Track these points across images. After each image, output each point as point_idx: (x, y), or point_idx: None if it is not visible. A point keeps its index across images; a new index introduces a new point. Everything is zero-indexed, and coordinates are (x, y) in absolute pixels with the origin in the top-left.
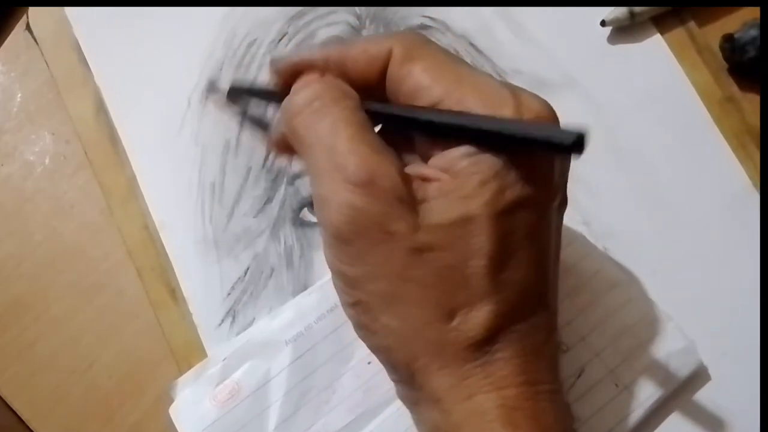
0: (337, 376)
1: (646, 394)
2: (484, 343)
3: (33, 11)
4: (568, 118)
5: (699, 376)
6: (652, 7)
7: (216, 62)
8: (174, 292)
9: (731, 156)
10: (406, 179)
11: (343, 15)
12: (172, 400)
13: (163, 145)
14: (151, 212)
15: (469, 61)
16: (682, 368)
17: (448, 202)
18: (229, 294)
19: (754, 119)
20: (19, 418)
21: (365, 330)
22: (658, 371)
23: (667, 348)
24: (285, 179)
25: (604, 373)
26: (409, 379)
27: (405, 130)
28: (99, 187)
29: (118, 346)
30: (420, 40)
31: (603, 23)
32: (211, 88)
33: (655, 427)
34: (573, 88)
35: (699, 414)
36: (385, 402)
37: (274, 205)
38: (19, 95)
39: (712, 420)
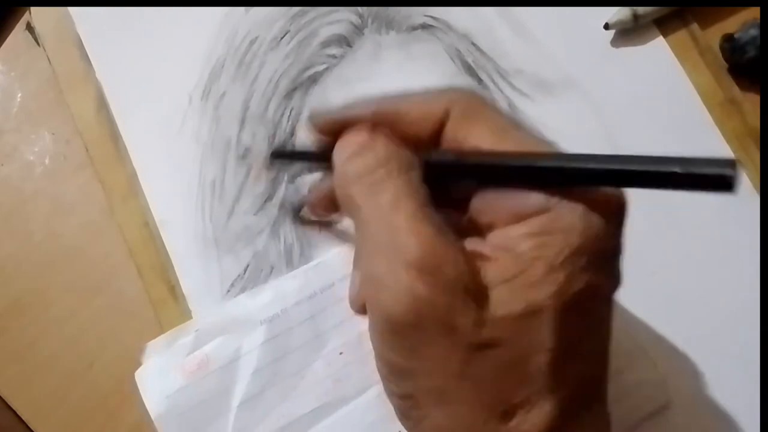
0: (308, 363)
1: (614, 421)
2: None
3: (35, 7)
4: (570, 118)
5: (667, 410)
6: (655, 9)
7: (217, 60)
8: (174, 289)
9: (732, 157)
10: (472, 264)
11: (346, 14)
12: (140, 364)
13: (164, 142)
14: (151, 210)
15: (470, 61)
16: (649, 401)
17: (512, 291)
18: (228, 291)
19: (755, 121)
20: (19, 418)
21: (410, 422)
22: (626, 400)
23: (637, 379)
24: (285, 177)
25: None
26: None
27: (467, 184)
28: (99, 188)
29: (118, 346)
30: (479, 100)
31: (606, 26)
32: (247, 153)
33: None
34: (574, 89)
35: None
36: (354, 393)
37: (275, 204)
38: (19, 95)
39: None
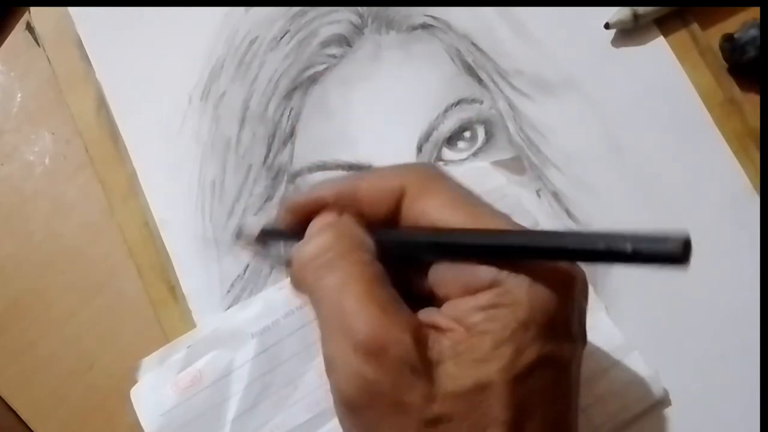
0: (300, 373)
1: (602, 419)
2: None
3: (35, 7)
4: (570, 118)
5: (659, 407)
6: (655, 9)
7: (217, 60)
8: (174, 289)
9: (732, 158)
10: (421, 340)
11: (346, 13)
12: (135, 381)
13: (164, 142)
14: (151, 210)
15: (470, 61)
16: (642, 398)
17: (462, 366)
18: (228, 292)
19: (755, 121)
20: (19, 418)
21: None
22: (617, 398)
23: (629, 376)
24: (285, 177)
25: None
26: None
27: (421, 258)
28: (99, 188)
29: (118, 346)
30: (433, 175)
31: (607, 26)
32: (240, 233)
33: None
34: (575, 89)
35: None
36: None
37: (275, 203)
38: (19, 95)
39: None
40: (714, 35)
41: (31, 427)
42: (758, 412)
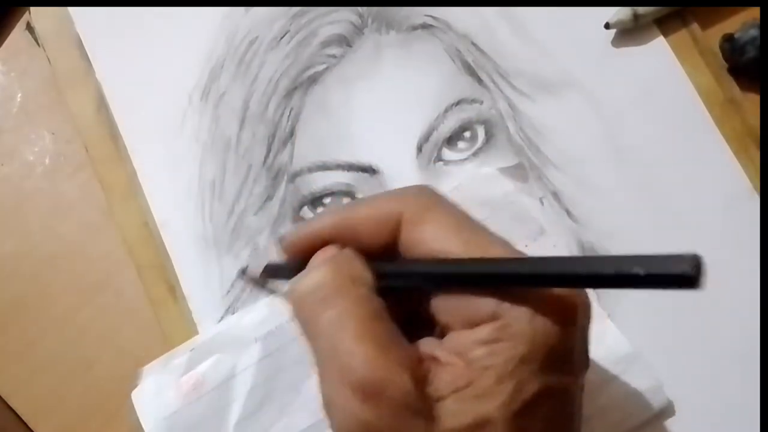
0: (303, 379)
1: (604, 429)
2: None
3: (35, 7)
4: (570, 118)
5: (663, 416)
6: (655, 9)
7: (217, 60)
8: (173, 289)
9: (732, 158)
10: (420, 378)
11: (346, 13)
12: (136, 386)
13: (164, 142)
14: (151, 209)
15: (470, 61)
16: (645, 409)
17: (461, 403)
18: (228, 292)
19: (755, 121)
20: (19, 418)
21: None
22: (619, 409)
23: (633, 387)
24: (285, 177)
25: None
26: None
27: (423, 289)
28: (99, 187)
29: (118, 346)
30: (429, 200)
31: (607, 26)
32: (244, 272)
33: None
34: (575, 88)
35: None
36: None
37: (275, 203)
38: (19, 95)
39: None
40: (714, 35)
41: (31, 427)
42: (758, 416)
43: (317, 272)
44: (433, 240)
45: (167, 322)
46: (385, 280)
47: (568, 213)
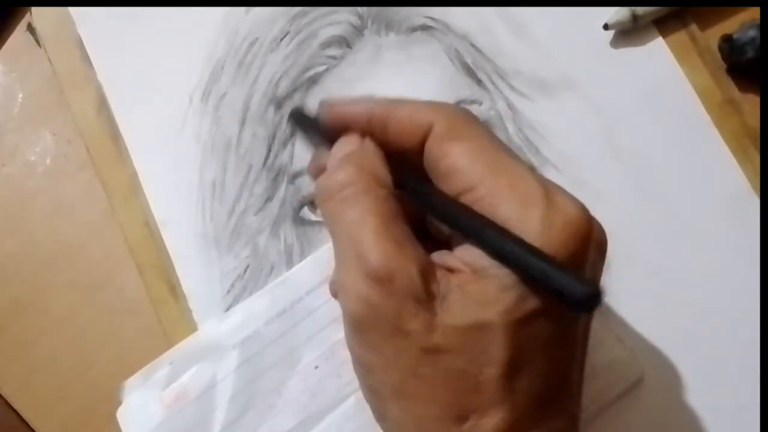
0: (283, 380)
1: (585, 402)
2: None
3: (36, 8)
4: (569, 119)
5: (640, 386)
6: (654, 10)
7: (218, 61)
8: (174, 289)
9: (731, 158)
10: (427, 274)
11: (345, 15)
12: (120, 402)
13: (165, 142)
14: (152, 209)
15: (469, 62)
16: (622, 379)
17: (466, 304)
18: (229, 291)
19: (754, 121)
20: (20, 417)
21: (378, 415)
22: (598, 381)
23: (609, 358)
24: (286, 177)
25: None
26: None
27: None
28: (100, 188)
29: (118, 345)
30: (463, 118)
31: (606, 27)
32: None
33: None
34: (574, 89)
35: (639, 422)
36: (331, 406)
37: (275, 203)
38: (21, 95)
39: (651, 419)
40: (713, 36)
41: (32, 426)
42: (733, 382)
43: (343, 171)
44: (456, 158)
45: (168, 322)
46: (401, 187)
47: None
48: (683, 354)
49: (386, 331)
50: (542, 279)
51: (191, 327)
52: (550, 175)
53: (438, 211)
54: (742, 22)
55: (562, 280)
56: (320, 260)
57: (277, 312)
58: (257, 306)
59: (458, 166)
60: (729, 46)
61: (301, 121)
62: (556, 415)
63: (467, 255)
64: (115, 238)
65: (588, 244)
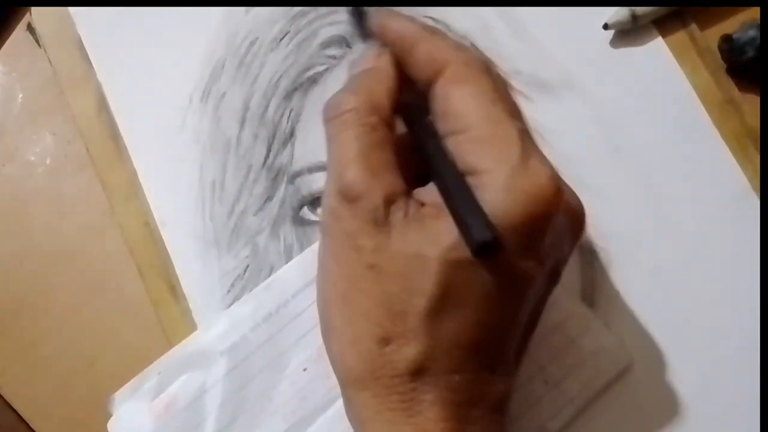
0: (273, 385)
1: (576, 389)
2: (410, 379)
3: (36, 8)
4: (569, 119)
5: (630, 371)
6: (654, 10)
7: (217, 61)
8: (174, 289)
9: (731, 158)
10: (393, 203)
11: (345, 15)
12: (109, 415)
13: (165, 143)
14: (152, 210)
15: None
16: (612, 364)
17: (417, 236)
18: (228, 291)
19: (754, 121)
20: (20, 418)
21: (326, 327)
22: (588, 367)
23: (596, 344)
24: (285, 178)
25: (534, 371)
26: (346, 395)
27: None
28: (100, 188)
29: (118, 345)
30: (477, 66)
31: (605, 26)
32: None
33: (588, 421)
34: (573, 89)
35: (631, 407)
36: (322, 408)
37: (275, 204)
38: (21, 96)
39: (646, 413)
40: (712, 36)
41: (32, 426)
42: (723, 369)
43: (346, 96)
44: (456, 99)
45: (168, 322)
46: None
47: None
48: (683, 352)
49: (344, 243)
50: (459, 220)
51: (191, 327)
52: None
53: (418, 142)
54: (742, 22)
55: (471, 223)
56: (304, 263)
57: (263, 316)
58: (243, 312)
59: (455, 109)
60: (729, 46)
61: (359, 16)
62: (480, 368)
63: (433, 190)
64: (115, 238)
65: (551, 211)
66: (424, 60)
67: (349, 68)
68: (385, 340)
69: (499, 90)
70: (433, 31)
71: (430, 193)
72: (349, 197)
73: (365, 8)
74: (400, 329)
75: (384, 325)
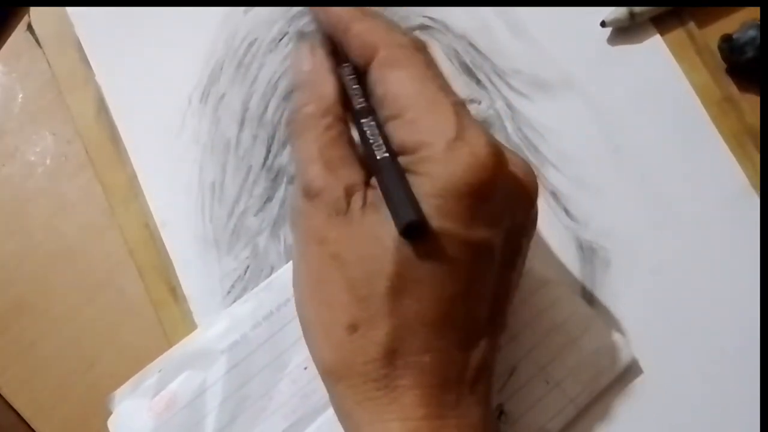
0: (273, 383)
1: (577, 390)
2: (382, 364)
3: (34, 10)
4: (568, 117)
5: (631, 371)
6: (651, 8)
7: (216, 62)
8: (174, 290)
9: (729, 156)
10: (354, 193)
11: None
12: (110, 413)
13: (164, 144)
14: (151, 211)
15: (468, 62)
16: (613, 364)
17: (370, 219)
18: (229, 292)
19: (753, 119)
20: (21, 417)
21: (302, 321)
22: (589, 367)
23: (597, 344)
24: (285, 178)
25: (535, 371)
26: (328, 389)
27: None
28: (100, 188)
29: (119, 345)
30: (409, 47)
31: (603, 24)
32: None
33: (588, 422)
34: (572, 88)
35: (632, 408)
36: (322, 407)
37: (275, 204)
38: (21, 95)
39: (647, 413)
40: (711, 33)
41: (33, 426)
42: (749, 409)
43: (302, 99)
44: (391, 83)
45: (168, 323)
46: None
47: (567, 212)
48: (683, 351)
49: (311, 237)
50: (390, 200)
51: (192, 328)
52: (550, 173)
53: (360, 132)
54: (742, 22)
55: (397, 205)
56: None
57: (263, 315)
58: (244, 310)
59: (391, 93)
60: (729, 46)
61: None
62: (449, 346)
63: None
64: (115, 238)
65: (493, 177)
66: (356, 44)
67: (290, 69)
68: (353, 327)
69: (431, 67)
70: (365, 12)
71: None
72: (311, 194)
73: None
74: (366, 314)
75: (351, 312)
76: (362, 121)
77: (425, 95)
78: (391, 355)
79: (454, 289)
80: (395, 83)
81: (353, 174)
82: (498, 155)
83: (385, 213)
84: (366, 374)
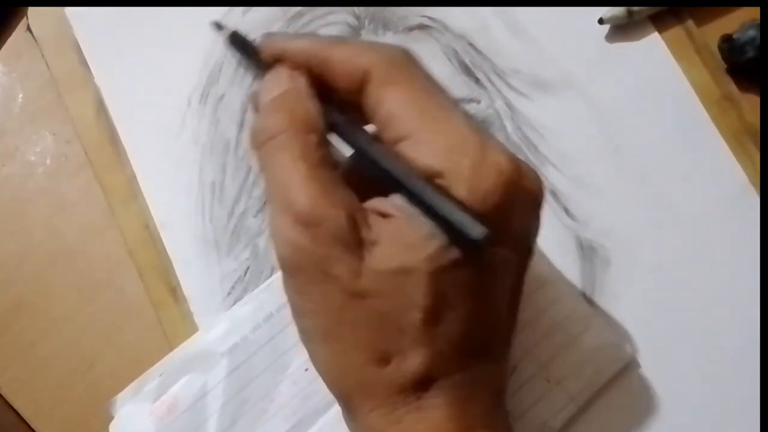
0: (274, 385)
1: (578, 388)
2: (416, 389)
3: (33, 12)
4: (567, 116)
5: (631, 369)
6: (649, 6)
7: (215, 63)
8: (175, 291)
9: (729, 155)
10: (356, 220)
11: (342, 15)
12: (111, 418)
13: (164, 145)
14: (151, 212)
15: (467, 61)
16: (613, 362)
17: (394, 249)
18: (229, 293)
19: (752, 118)
20: (21, 417)
21: (310, 356)
22: (589, 365)
23: (597, 343)
24: None
25: (536, 369)
26: (346, 411)
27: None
28: (100, 188)
29: (119, 346)
30: (401, 61)
31: (601, 21)
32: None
33: (589, 419)
34: (571, 87)
35: (632, 405)
36: (323, 408)
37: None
38: (21, 96)
39: (647, 411)
40: (709, 32)
41: (33, 426)
42: (748, 409)
43: (274, 117)
44: (392, 105)
45: (168, 324)
46: (336, 129)
47: (567, 211)
48: (683, 350)
49: (314, 275)
50: (446, 219)
51: (192, 329)
52: (550, 173)
53: (366, 157)
54: (741, 22)
55: (461, 222)
56: None
57: (263, 317)
58: (243, 313)
59: (395, 113)
60: (729, 46)
61: (241, 46)
62: (479, 360)
63: (400, 200)
64: (115, 238)
65: (517, 192)
66: (343, 70)
67: (251, 99)
68: (383, 361)
69: (430, 79)
70: (339, 40)
71: (385, 202)
72: (307, 223)
73: (245, 38)
74: (398, 346)
75: (379, 348)
76: (374, 145)
77: (431, 113)
78: (425, 381)
79: (483, 308)
80: (396, 103)
81: (351, 198)
82: (519, 168)
83: (408, 240)
84: (396, 402)
